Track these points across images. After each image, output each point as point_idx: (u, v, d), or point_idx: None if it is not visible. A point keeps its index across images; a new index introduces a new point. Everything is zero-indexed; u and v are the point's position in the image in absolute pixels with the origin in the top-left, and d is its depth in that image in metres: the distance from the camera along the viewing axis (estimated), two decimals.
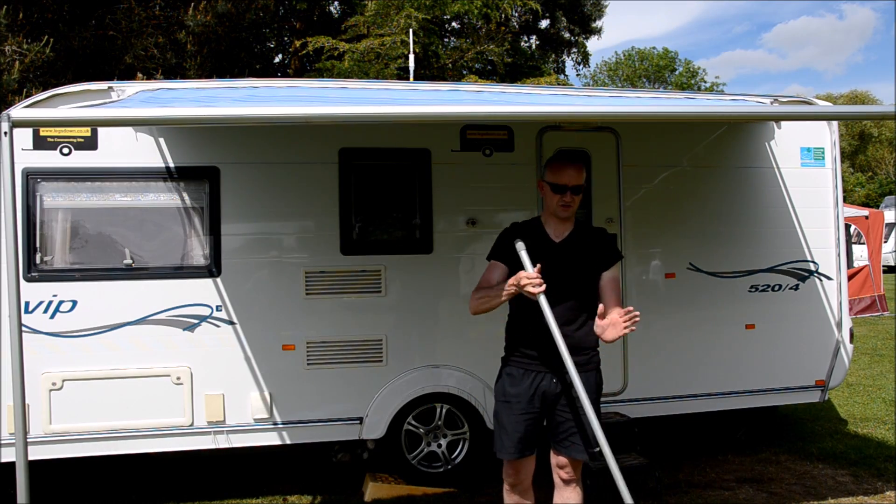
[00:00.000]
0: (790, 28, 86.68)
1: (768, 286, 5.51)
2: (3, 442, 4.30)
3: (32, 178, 4.46)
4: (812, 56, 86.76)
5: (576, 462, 3.45)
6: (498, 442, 3.48)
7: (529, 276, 3.17)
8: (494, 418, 3.56)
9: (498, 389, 3.54)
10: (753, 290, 5.50)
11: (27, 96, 7.46)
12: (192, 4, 11.23)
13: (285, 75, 15.38)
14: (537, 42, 21.45)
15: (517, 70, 17.44)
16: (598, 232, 3.61)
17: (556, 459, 3.49)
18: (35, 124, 4.04)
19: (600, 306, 3.24)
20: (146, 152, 4.62)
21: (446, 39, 17.45)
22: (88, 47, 10.77)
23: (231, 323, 4.71)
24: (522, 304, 3.41)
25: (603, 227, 3.88)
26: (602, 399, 3.59)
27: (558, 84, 16.22)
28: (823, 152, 5.62)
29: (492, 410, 4.90)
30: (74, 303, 4.51)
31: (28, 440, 3.24)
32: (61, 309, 4.49)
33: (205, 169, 4.70)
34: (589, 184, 4.75)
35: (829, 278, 5.61)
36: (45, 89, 5.04)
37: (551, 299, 3.24)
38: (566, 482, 3.47)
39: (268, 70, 15.75)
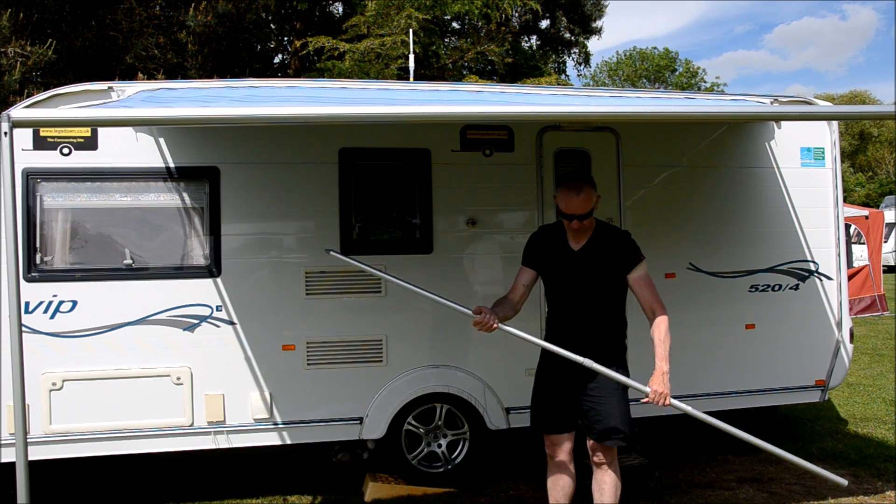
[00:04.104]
0: (792, 29, 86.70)
1: (768, 286, 5.51)
2: (3, 442, 4.30)
3: (32, 178, 4.46)
4: (814, 57, 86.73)
5: (604, 448, 3.68)
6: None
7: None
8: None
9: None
10: (753, 290, 5.49)
11: (28, 97, 7.46)
12: (193, 5, 11.23)
13: (285, 75, 15.37)
14: (538, 42, 21.43)
15: (517, 70, 17.42)
16: (618, 236, 3.76)
17: (588, 443, 3.77)
18: (35, 124, 4.03)
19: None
20: (146, 152, 4.61)
21: (446, 40, 17.43)
22: (89, 47, 10.77)
23: (231, 323, 4.70)
24: (550, 293, 3.83)
25: (626, 230, 3.95)
26: None
27: (559, 84, 16.21)
28: (823, 152, 5.61)
29: (491, 411, 4.97)
30: (74, 303, 4.51)
31: (28, 440, 3.24)
32: (61, 309, 4.48)
33: (205, 169, 4.69)
34: None
35: (829, 278, 5.61)
36: (45, 90, 5.03)
37: (573, 305, 3.69)
38: (597, 465, 3.76)
39: (268, 70, 15.74)
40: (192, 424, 4.65)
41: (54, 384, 4.47)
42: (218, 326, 4.68)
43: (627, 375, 3.69)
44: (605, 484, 3.71)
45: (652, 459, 5.09)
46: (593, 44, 58.65)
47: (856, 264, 13.09)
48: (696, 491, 5.01)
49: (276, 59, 16.76)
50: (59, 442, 4.49)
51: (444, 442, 5.09)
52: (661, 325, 3.59)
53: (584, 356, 3.57)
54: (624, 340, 3.78)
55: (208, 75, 11.45)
